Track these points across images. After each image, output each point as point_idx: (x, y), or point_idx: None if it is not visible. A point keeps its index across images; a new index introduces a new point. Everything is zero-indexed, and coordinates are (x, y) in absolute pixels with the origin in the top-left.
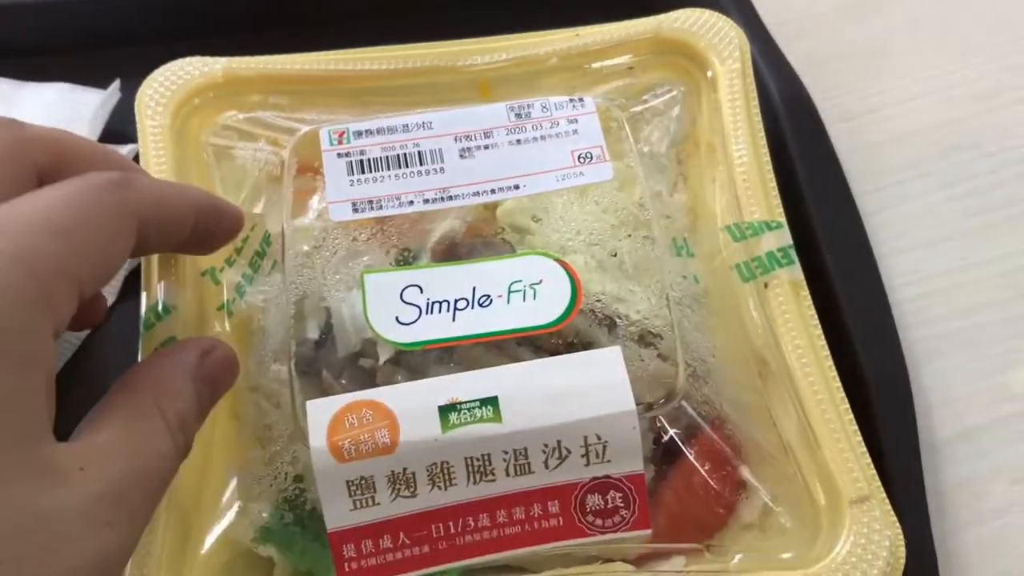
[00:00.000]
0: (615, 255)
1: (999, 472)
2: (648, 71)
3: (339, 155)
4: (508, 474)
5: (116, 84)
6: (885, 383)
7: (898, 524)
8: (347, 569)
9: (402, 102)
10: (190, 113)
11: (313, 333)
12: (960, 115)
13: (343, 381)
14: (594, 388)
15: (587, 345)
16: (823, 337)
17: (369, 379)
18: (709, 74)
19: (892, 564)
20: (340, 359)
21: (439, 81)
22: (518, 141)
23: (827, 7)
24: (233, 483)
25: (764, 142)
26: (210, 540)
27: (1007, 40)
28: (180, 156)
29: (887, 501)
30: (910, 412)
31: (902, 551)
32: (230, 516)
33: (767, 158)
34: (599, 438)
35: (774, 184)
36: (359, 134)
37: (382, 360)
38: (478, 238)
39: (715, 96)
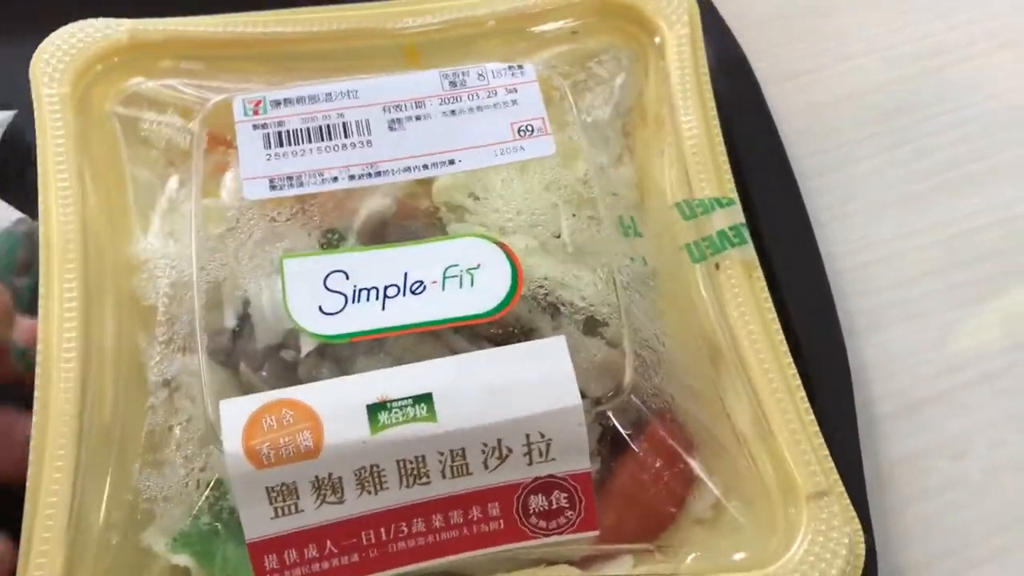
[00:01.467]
0: (558, 236)
1: (942, 447)
2: (592, 36)
3: (255, 127)
4: (444, 476)
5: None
6: (822, 357)
7: (857, 520)
8: None
9: (326, 68)
10: (92, 81)
11: (230, 322)
12: (904, 75)
13: (263, 374)
14: (537, 382)
15: (529, 334)
16: (777, 320)
17: (291, 372)
18: (657, 40)
19: (852, 563)
20: (260, 350)
21: (365, 45)
22: (452, 112)
23: None
24: (143, 492)
25: (715, 113)
26: (114, 548)
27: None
28: (81, 128)
29: (846, 496)
30: (847, 386)
31: (861, 548)
32: (139, 520)
33: (718, 131)
34: (543, 436)
35: (725, 159)
36: (277, 103)
37: (304, 352)
38: (410, 218)
39: (663, 63)
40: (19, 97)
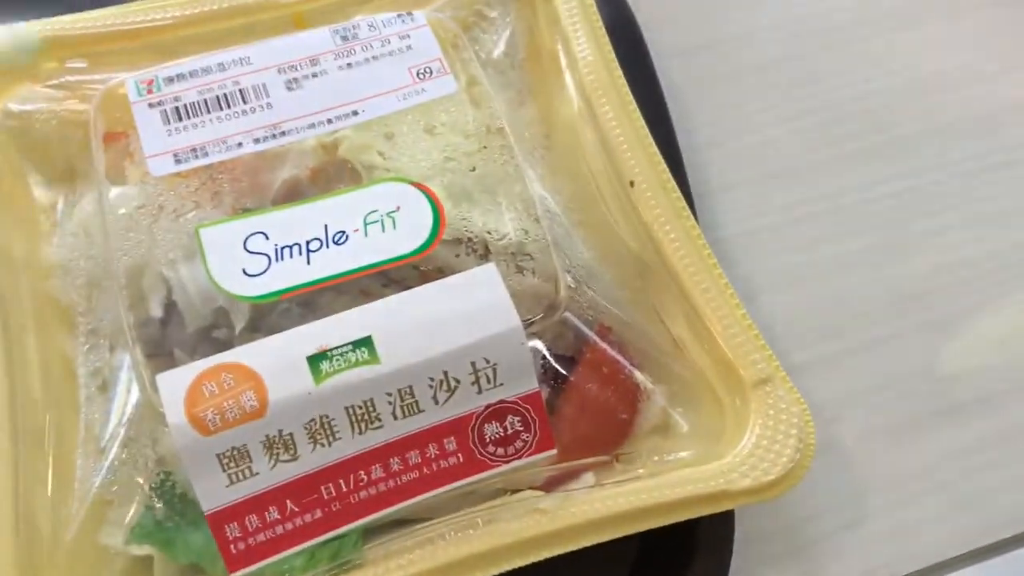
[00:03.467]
0: (474, 169)
1: (818, 411)
2: None
3: (150, 105)
4: (396, 417)
5: None
6: None
7: (803, 401)
8: (234, 551)
9: (215, 50)
10: None
11: (156, 311)
12: (805, 50)
13: (197, 358)
14: (474, 310)
15: (454, 272)
16: (697, 227)
17: (226, 350)
18: None
19: (803, 440)
20: (191, 334)
21: (251, 22)
22: (349, 65)
23: None
24: (90, 486)
25: (607, 41)
26: (77, 554)
27: None
28: None
29: (789, 380)
30: None
31: (811, 427)
32: (92, 522)
33: (612, 56)
34: (488, 361)
35: (623, 82)
36: (170, 80)
37: (238, 329)
38: (323, 180)
39: (551, 7)
40: None
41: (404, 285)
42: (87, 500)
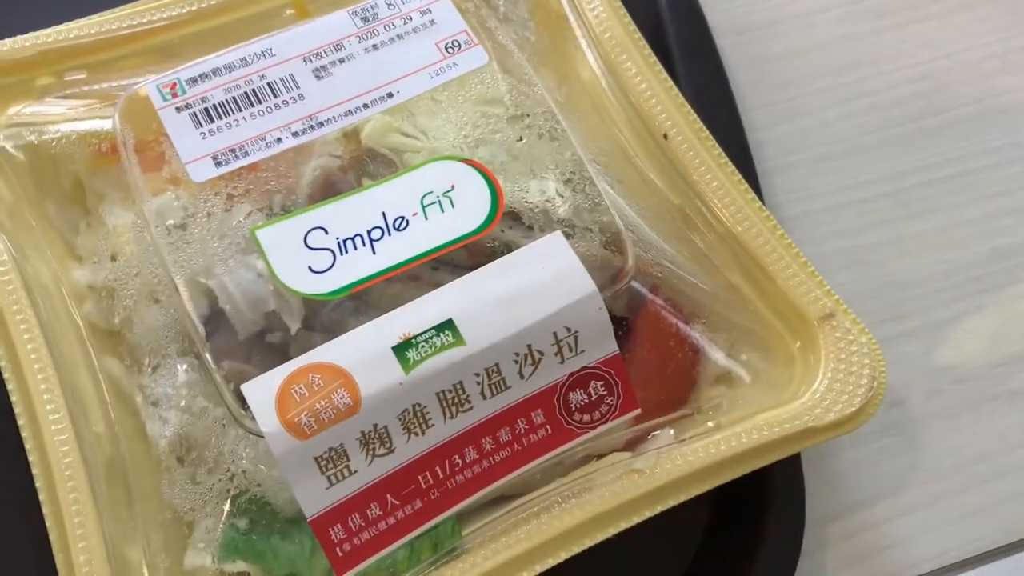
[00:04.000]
0: (520, 139)
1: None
2: None
3: (178, 109)
4: (484, 397)
5: None
6: None
7: (869, 332)
8: (340, 554)
9: (216, 46)
10: None
11: (199, 323)
12: (857, 32)
13: (251, 366)
14: (550, 280)
15: (508, 247)
16: (737, 173)
17: (282, 355)
18: None
19: (876, 372)
20: (242, 343)
21: (249, 14)
22: (374, 47)
23: None
24: (168, 509)
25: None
26: (165, 572)
27: None
28: None
29: (851, 312)
30: None
31: (881, 356)
32: (178, 546)
33: (624, 11)
34: (568, 330)
35: (640, 36)
36: (193, 81)
37: (293, 330)
38: (354, 169)
39: None
40: None
41: (452, 265)
42: (169, 524)
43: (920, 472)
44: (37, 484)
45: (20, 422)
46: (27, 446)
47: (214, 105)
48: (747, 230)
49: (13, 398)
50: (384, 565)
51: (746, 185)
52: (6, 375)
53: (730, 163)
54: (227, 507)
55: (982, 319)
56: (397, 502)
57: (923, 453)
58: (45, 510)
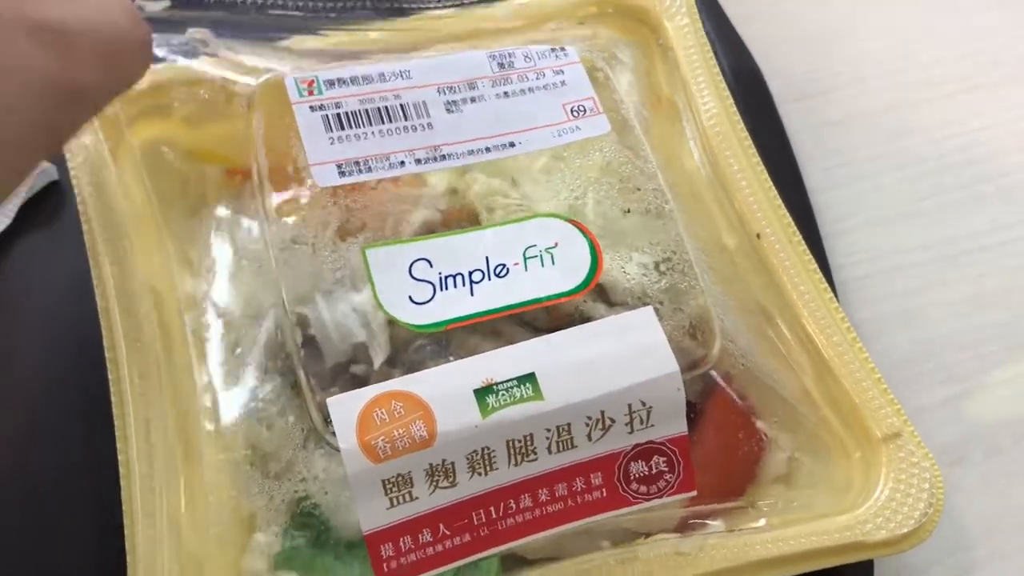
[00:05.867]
0: (628, 212)
1: (941, 453)
2: (599, 30)
3: (311, 108)
4: (551, 451)
5: None
6: None
7: (933, 459)
8: (386, 570)
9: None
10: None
11: (291, 345)
12: (912, 99)
13: (334, 392)
14: (634, 352)
15: (588, 318)
16: (823, 280)
17: (363, 385)
18: (660, 40)
19: (934, 497)
20: (328, 369)
21: None
22: (506, 94)
23: None
24: (235, 515)
25: (728, 92)
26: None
27: (957, 29)
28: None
29: (918, 435)
30: None
31: (941, 482)
32: (238, 550)
33: (734, 109)
34: (643, 404)
35: (746, 134)
36: (331, 84)
37: (377, 364)
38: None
39: (670, 54)
40: None
41: (533, 327)
42: (231, 521)
43: (982, 531)
44: (120, 463)
45: (115, 412)
46: (117, 434)
47: (347, 113)
48: (828, 338)
49: (112, 389)
50: None
51: (831, 294)
52: (111, 375)
53: (818, 269)
54: (290, 519)
55: None
56: (448, 532)
57: (985, 512)
58: (123, 493)
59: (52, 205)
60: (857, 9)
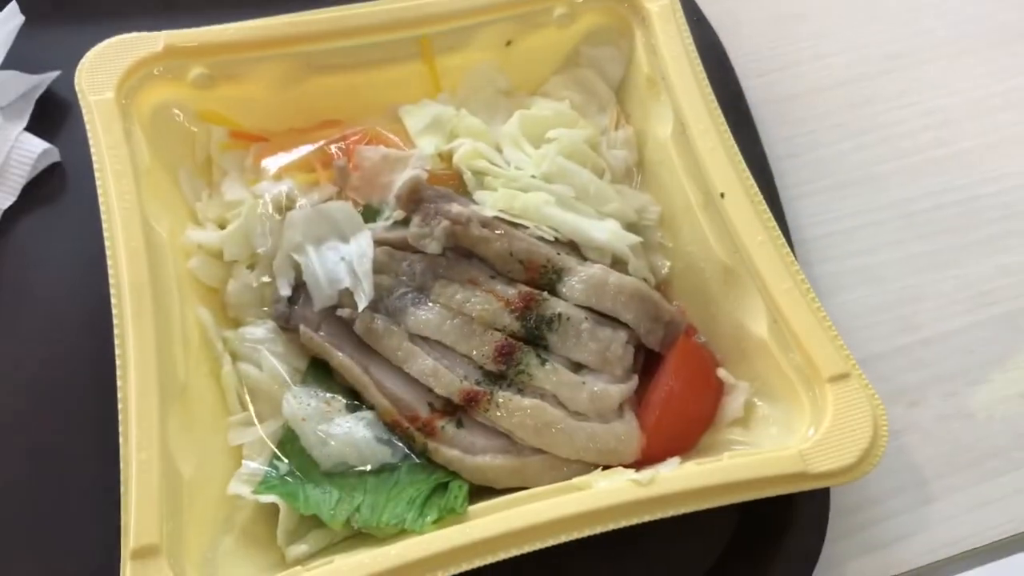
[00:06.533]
0: (601, 176)
1: (898, 396)
2: (582, 17)
3: None
4: None
5: (13, 5)
6: None
7: (879, 399)
8: None
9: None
10: (135, 87)
11: (285, 290)
12: (871, 72)
13: (321, 333)
14: None
15: (560, 272)
16: (781, 235)
17: (347, 328)
18: (642, 19)
19: (876, 436)
20: (316, 313)
21: (383, 40)
22: None
23: None
24: (223, 441)
25: (701, 67)
26: (209, 498)
27: (913, 7)
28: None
29: (865, 377)
30: None
31: (885, 426)
32: (225, 475)
33: (706, 81)
34: None
35: (716, 104)
36: None
37: (360, 307)
38: (439, 183)
39: (651, 34)
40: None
41: (508, 277)
42: (220, 454)
43: (937, 467)
44: (119, 387)
45: (116, 342)
46: (117, 363)
47: None
48: (780, 287)
49: (115, 322)
50: (394, 522)
51: (788, 248)
52: (114, 309)
53: (776, 226)
54: (273, 451)
55: (993, 329)
56: None
57: (939, 449)
58: (120, 415)
59: (55, 184)
60: None
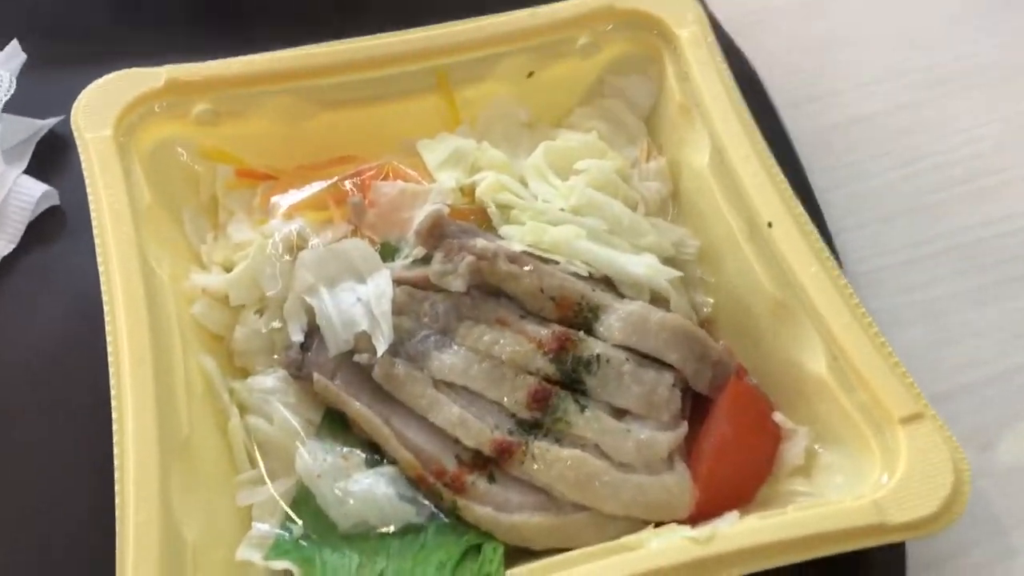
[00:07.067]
0: (635, 210)
1: (969, 438)
2: (607, 45)
3: None
4: None
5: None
6: None
7: (955, 440)
8: None
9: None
10: (134, 124)
11: (297, 336)
12: (914, 100)
13: (337, 382)
14: None
15: (595, 310)
16: (836, 266)
17: (365, 376)
18: (673, 49)
19: (960, 479)
20: (331, 360)
21: (397, 72)
22: None
23: (783, 1)
24: (233, 506)
25: (738, 92)
26: (216, 565)
27: (954, 33)
28: (128, 168)
29: (939, 418)
30: None
31: (967, 471)
32: (233, 538)
33: (744, 106)
34: None
35: (756, 129)
36: None
37: (380, 351)
38: (462, 218)
39: (683, 61)
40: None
41: (540, 316)
42: (229, 516)
43: (1017, 515)
44: (115, 443)
45: (112, 392)
46: (113, 416)
47: None
48: (839, 322)
49: (111, 371)
50: None
51: (844, 280)
52: (110, 357)
53: (831, 256)
54: (286, 511)
55: None
56: None
57: (1017, 495)
58: (116, 473)
59: (54, 228)
60: (853, 18)
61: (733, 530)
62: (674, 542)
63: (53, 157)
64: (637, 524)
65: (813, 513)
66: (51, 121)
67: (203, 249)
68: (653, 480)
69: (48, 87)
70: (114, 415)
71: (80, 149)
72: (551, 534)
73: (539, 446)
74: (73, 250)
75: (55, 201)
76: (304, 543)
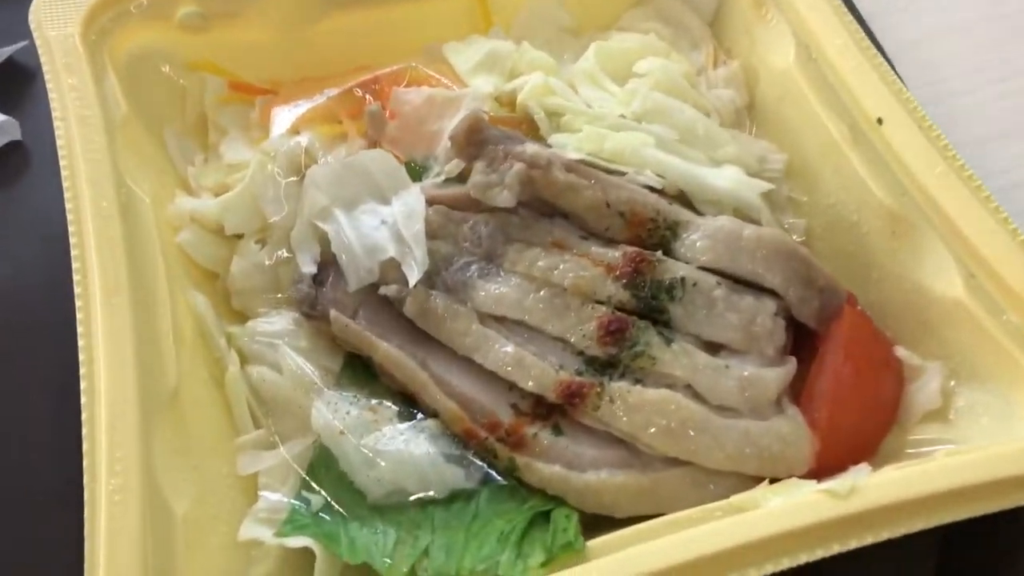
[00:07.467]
0: (708, 115)
1: None
2: None
3: None
4: None
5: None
6: None
7: None
8: None
9: None
10: (106, 26)
11: (308, 267)
12: (1006, 10)
13: (359, 321)
14: None
15: (674, 227)
16: (966, 165)
17: (394, 312)
18: None
19: None
20: (351, 295)
21: None
22: None
23: None
24: (234, 474)
25: None
26: (214, 546)
27: None
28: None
29: None
30: None
31: None
32: (235, 513)
33: None
34: None
35: (851, 17)
36: None
37: (412, 282)
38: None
39: None
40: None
41: (606, 237)
42: (228, 483)
43: None
44: (83, 391)
45: (79, 330)
46: (80, 358)
47: None
48: (980, 231)
49: (78, 304)
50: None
51: (979, 181)
52: (77, 288)
53: (956, 153)
54: (302, 478)
55: None
56: None
57: None
58: (84, 428)
59: (16, 164)
60: None
61: (877, 482)
62: (804, 498)
63: (14, 88)
64: (744, 482)
65: (970, 459)
66: (9, 49)
67: (190, 172)
68: (763, 426)
69: (5, 11)
70: (81, 357)
71: (40, 50)
72: (638, 497)
73: (617, 388)
74: (35, 184)
75: (17, 135)
76: (325, 516)
